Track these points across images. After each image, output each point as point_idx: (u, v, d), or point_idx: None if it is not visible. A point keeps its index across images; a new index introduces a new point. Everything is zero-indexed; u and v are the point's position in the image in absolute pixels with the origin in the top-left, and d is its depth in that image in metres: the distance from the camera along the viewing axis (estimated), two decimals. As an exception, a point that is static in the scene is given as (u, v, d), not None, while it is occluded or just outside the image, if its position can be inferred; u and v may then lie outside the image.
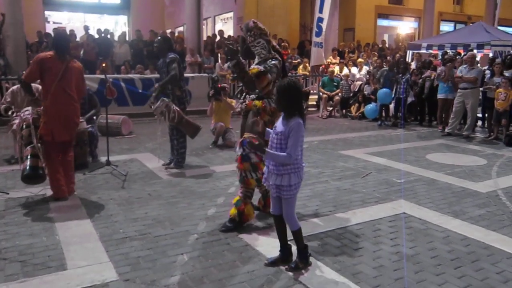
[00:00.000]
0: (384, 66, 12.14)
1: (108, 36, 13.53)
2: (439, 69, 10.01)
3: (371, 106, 11.36)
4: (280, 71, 4.27)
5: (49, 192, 4.97)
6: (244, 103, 4.37)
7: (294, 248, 3.44)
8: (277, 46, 4.51)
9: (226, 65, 4.54)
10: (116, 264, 3.42)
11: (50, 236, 3.92)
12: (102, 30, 13.87)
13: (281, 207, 3.33)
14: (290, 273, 3.28)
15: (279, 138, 3.19)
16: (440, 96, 9.81)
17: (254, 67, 4.19)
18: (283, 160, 3.14)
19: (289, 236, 3.42)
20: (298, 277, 3.25)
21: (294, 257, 3.43)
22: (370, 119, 11.45)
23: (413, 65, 12.42)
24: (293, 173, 3.19)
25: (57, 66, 4.77)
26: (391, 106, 11.02)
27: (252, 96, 4.30)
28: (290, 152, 3.11)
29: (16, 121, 6.56)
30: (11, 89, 7.00)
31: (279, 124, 3.25)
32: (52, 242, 3.80)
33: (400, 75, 10.62)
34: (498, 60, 10.26)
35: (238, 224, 4.10)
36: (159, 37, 6.61)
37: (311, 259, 3.50)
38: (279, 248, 3.49)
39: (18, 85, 6.94)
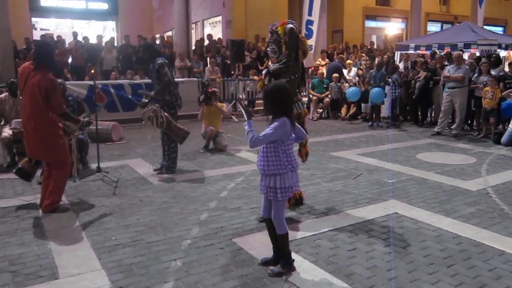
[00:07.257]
0: (374, 67, 12.18)
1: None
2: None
3: (352, 88, 11.33)
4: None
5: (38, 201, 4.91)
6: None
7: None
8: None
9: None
10: (108, 271, 3.39)
11: (41, 245, 3.88)
12: (89, 38, 13.82)
13: (271, 210, 3.34)
14: (283, 277, 3.28)
15: None
16: None
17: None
18: (248, 137, 3.14)
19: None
20: (291, 279, 3.25)
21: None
22: (355, 100, 11.61)
23: (401, 66, 12.47)
24: (278, 176, 3.19)
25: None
26: (383, 106, 11.06)
27: None
28: (257, 137, 3.12)
29: (6, 129, 6.52)
30: (-2, 97, 6.91)
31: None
32: (43, 251, 3.76)
33: (388, 75, 10.69)
34: (484, 60, 10.33)
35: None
36: (141, 47, 6.65)
37: (305, 261, 3.51)
38: (272, 251, 3.48)
39: (6, 93, 6.87)
